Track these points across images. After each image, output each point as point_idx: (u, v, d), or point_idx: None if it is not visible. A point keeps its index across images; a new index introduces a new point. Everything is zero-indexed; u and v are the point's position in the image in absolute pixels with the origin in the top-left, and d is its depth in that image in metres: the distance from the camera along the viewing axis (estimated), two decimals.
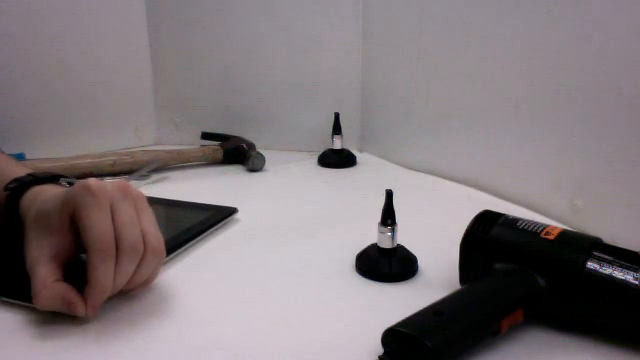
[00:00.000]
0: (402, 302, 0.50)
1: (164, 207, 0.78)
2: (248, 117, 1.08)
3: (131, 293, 0.53)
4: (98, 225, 0.49)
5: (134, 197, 0.53)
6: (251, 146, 1.00)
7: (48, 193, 0.55)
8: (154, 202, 0.77)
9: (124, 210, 0.50)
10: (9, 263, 0.61)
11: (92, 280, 0.48)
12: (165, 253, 0.54)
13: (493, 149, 0.83)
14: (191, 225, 0.69)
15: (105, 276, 0.48)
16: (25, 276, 0.53)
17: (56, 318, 0.50)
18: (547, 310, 0.49)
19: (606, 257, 0.47)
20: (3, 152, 0.68)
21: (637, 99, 0.63)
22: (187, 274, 0.60)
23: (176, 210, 0.77)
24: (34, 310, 0.50)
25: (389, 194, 0.58)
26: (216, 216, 0.73)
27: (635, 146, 0.63)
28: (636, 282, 0.45)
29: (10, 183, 0.58)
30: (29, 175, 0.59)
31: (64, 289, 0.49)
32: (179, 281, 0.58)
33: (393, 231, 0.59)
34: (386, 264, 0.59)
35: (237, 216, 0.75)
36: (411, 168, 0.96)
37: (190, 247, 0.66)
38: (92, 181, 0.51)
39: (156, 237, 0.52)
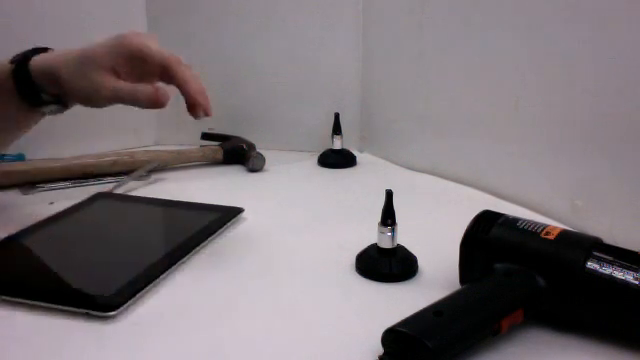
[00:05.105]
0: (402, 302, 0.50)
1: (172, 209, 0.78)
2: (248, 117, 1.08)
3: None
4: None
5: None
6: (251, 146, 1.00)
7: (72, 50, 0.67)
8: (161, 204, 0.78)
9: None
10: (8, 261, 0.62)
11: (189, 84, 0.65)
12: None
13: (493, 149, 0.83)
14: (202, 227, 0.69)
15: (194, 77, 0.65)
16: (24, 273, 0.54)
17: (60, 317, 0.51)
18: (547, 310, 0.49)
19: (606, 257, 0.47)
20: None
21: (637, 99, 0.63)
22: (189, 275, 0.60)
23: (184, 211, 0.77)
24: (34, 308, 0.50)
25: (389, 194, 0.58)
26: (224, 217, 0.73)
27: (635, 146, 0.64)
28: (636, 282, 0.45)
29: (13, 58, 0.67)
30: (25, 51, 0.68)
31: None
32: (181, 283, 0.58)
33: (393, 231, 0.59)
34: (386, 264, 0.59)
35: (237, 216, 0.75)
36: (411, 168, 0.96)
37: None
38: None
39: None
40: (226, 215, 0.73)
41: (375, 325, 0.45)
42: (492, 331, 0.46)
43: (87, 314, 0.51)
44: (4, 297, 0.53)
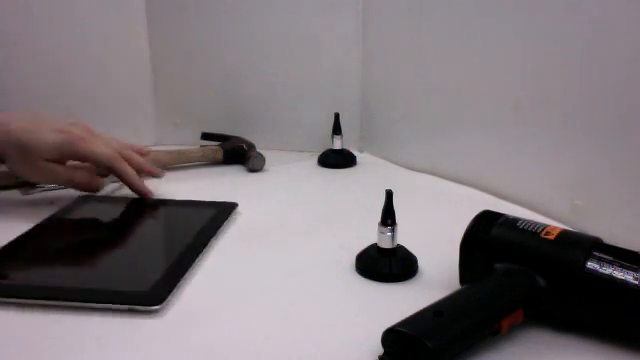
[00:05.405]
0: (402, 302, 0.50)
1: (167, 207, 0.79)
2: (248, 117, 1.08)
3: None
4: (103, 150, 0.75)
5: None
6: (251, 146, 0.99)
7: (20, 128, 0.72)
8: (152, 203, 0.78)
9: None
10: (30, 264, 0.62)
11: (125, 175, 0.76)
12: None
13: (493, 149, 0.83)
14: (204, 225, 0.70)
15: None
16: (54, 276, 0.57)
17: (94, 315, 0.51)
18: (547, 310, 0.49)
19: (606, 257, 0.47)
20: None
21: (637, 99, 0.63)
22: (187, 274, 0.60)
23: (181, 209, 0.78)
24: (65, 309, 0.52)
25: (389, 194, 0.58)
26: (222, 214, 0.73)
27: (635, 146, 0.64)
28: (636, 282, 0.45)
29: None
30: None
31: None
32: (182, 283, 0.58)
33: (393, 231, 0.59)
34: (386, 264, 0.59)
35: (237, 216, 0.75)
36: (411, 168, 0.96)
37: None
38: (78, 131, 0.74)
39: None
40: (223, 212, 0.74)
41: (375, 325, 0.45)
42: (492, 331, 0.46)
43: (131, 310, 0.52)
44: (39, 301, 0.53)
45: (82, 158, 0.74)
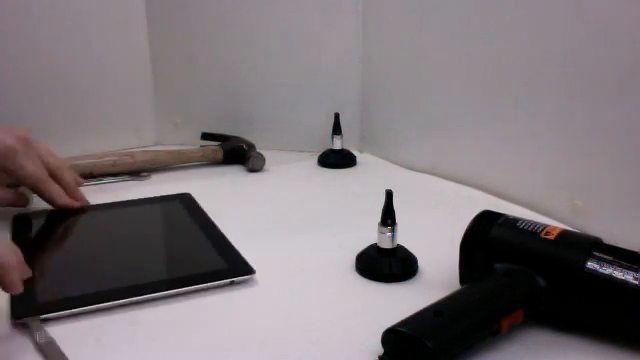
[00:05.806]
0: (402, 302, 0.50)
1: (128, 207, 0.78)
2: (248, 117, 1.08)
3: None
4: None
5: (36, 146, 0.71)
6: (251, 146, 0.99)
7: None
8: (106, 207, 0.77)
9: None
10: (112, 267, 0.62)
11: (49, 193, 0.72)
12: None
13: (493, 149, 0.83)
14: (191, 215, 0.73)
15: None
16: (132, 275, 0.58)
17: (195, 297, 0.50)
18: (547, 310, 0.49)
19: (606, 257, 0.47)
20: None
21: (637, 99, 0.63)
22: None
23: (142, 207, 0.78)
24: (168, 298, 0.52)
25: (389, 194, 0.58)
26: (189, 203, 0.77)
27: (635, 146, 0.64)
28: (636, 282, 0.45)
29: None
30: None
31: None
32: None
33: (393, 231, 0.59)
34: (386, 264, 0.59)
35: (237, 216, 0.75)
36: (411, 168, 0.96)
37: None
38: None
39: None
40: (188, 202, 0.78)
41: (375, 325, 0.45)
42: (492, 331, 0.46)
43: (232, 283, 0.57)
44: (136, 298, 0.54)
45: (6, 169, 0.69)
